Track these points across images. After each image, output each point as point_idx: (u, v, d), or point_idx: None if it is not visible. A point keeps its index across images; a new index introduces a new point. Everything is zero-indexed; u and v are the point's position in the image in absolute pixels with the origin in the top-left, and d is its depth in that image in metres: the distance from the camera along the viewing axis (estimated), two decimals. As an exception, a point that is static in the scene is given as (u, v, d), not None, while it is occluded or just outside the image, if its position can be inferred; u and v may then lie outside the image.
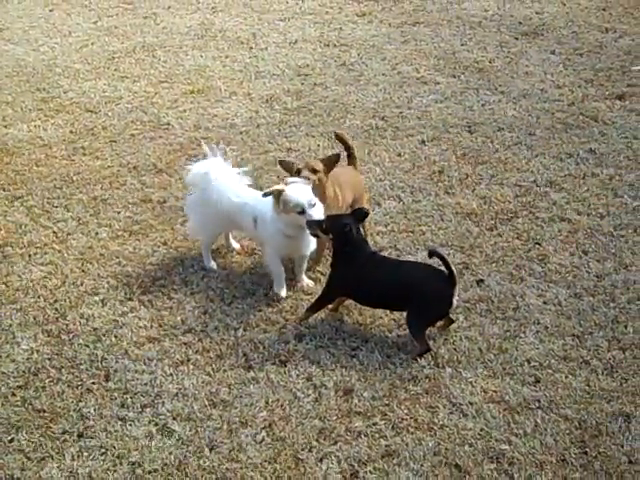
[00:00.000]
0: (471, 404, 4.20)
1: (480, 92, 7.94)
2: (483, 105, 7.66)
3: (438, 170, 6.51)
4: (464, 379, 4.37)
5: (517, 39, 9.26)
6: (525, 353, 4.53)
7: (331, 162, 5.23)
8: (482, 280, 5.16)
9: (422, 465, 3.86)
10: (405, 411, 4.18)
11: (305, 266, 5.21)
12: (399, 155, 6.80)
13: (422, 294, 4.57)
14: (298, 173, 5.08)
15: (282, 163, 5.40)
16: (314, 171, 5.08)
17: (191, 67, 8.85)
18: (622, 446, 3.90)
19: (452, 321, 4.72)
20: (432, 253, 4.70)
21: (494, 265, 5.32)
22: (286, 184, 4.96)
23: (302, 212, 4.84)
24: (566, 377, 4.35)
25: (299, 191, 4.89)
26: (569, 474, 3.78)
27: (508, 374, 4.39)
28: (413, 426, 4.09)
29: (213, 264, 5.42)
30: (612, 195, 6.05)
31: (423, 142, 7.01)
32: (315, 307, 4.87)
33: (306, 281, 5.21)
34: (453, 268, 4.56)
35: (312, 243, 5.10)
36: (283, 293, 5.08)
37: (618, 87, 7.87)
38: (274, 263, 5.10)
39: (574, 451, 3.89)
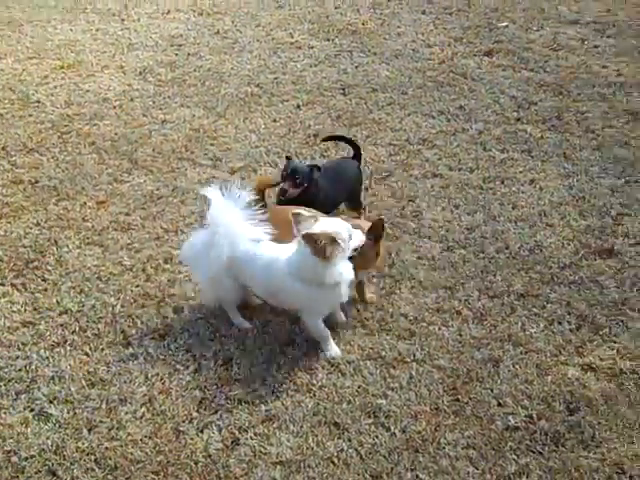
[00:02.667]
0: (349, 363, 4.28)
1: (354, 54, 8.00)
2: (357, 67, 7.72)
3: (313, 134, 6.53)
4: (342, 339, 4.44)
5: (389, 0, 9.34)
6: (400, 309, 4.63)
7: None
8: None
9: (302, 426, 3.92)
10: (284, 375, 4.22)
11: None
12: (274, 121, 6.79)
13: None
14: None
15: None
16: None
17: (61, 42, 8.56)
18: (492, 390, 4.05)
19: None
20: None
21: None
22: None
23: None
24: (439, 329, 4.48)
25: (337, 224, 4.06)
26: (442, 421, 3.91)
27: (384, 330, 4.49)
28: (292, 389, 4.13)
29: (246, 323, 4.56)
30: (481, 149, 6.23)
31: (298, 107, 7.02)
32: None
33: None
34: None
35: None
36: (339, 352, 4.34)
37: (485, 44, 8.08)
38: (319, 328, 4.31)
39: (447, 399, 4.03)
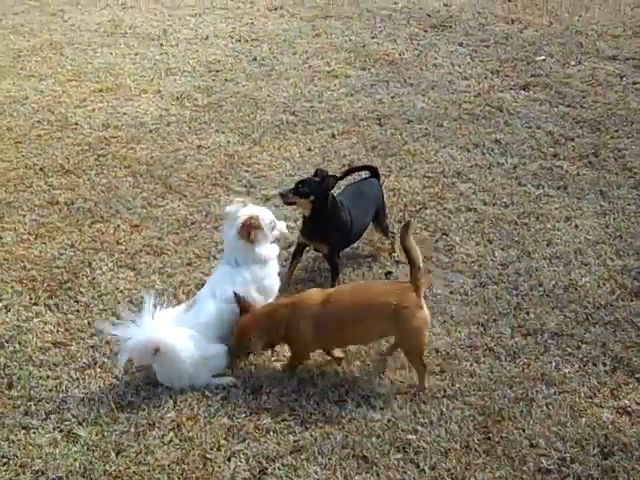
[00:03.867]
0: (379, 396, 4.24)
1: (390, 84, 8.02)
2: (393, 97, 7.74)
3: (348, 163, 6.54)
4: (373, 372, 4.41)
5: (426, 32, 9.38)
6: (432, 344, 4.58)
7: None
8: (390, 272, 5.22)
9: (330, 459, 3.88)
10: (314, 406, 4.19)
11: None
12: (309, 150, 6.82)
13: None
14: None
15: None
16: None
17: (100, 65, 8.69)
18: (524, 430, 3.99)
19: None
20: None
21: (402, 257, 5.36)
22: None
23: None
24: (471, 365, 4.43)
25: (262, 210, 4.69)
26: (472, 460, 3.85)
27: (415, 364, 4.44)
28: (322, 420, 4.10)
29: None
30: (516, 184, 6.19)
31: (333, 136, 7.04)
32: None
33: None
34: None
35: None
36: None
37: (522, 77, 8.06)
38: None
39: (477, 437, 3.97)
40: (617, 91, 7.69)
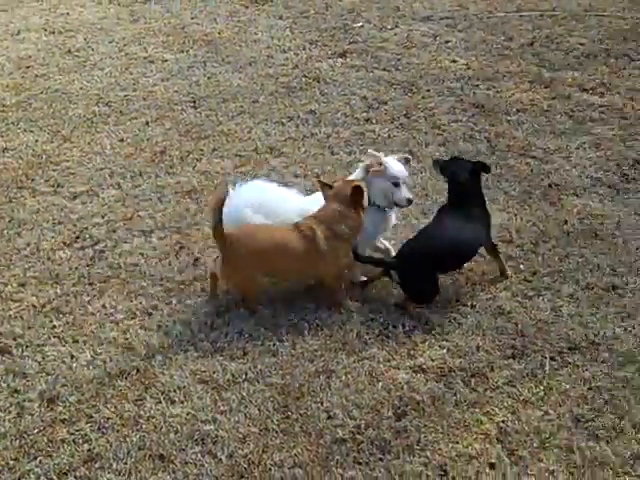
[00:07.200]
0: (179, 389, 4.12)
1: (207, 65, 7.86)
2: (209, 78, 7.58)
3: (160, 150, 6.37)
4: (174, 364, 4.28)
5: (247, 7, 9.25)
6: (236, 326, 4.49)
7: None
8: (197, 259, 5.08)
9: (126, 463, 3.74)
10: (112, 410, 4.03)
11: None
12: (121, 140, 6.60)
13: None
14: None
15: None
16: None
17: None
18: (322, 403, 3.95)
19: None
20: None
21: (210, 241, 5.21)
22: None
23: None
24: (274, 345, 4.35)
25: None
26: (270, 441, 3.78)
27: (217, 351, 4.34)
28: (119, 424, 3.95)
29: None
30: (329, 153, 6.16)
31: (147, 123, 6.84)
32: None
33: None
34: None
35: None
36: None
37: (340, 45, 8.04)
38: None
39: (277, 417, 3.91)
40: (430, 51, 7.76)
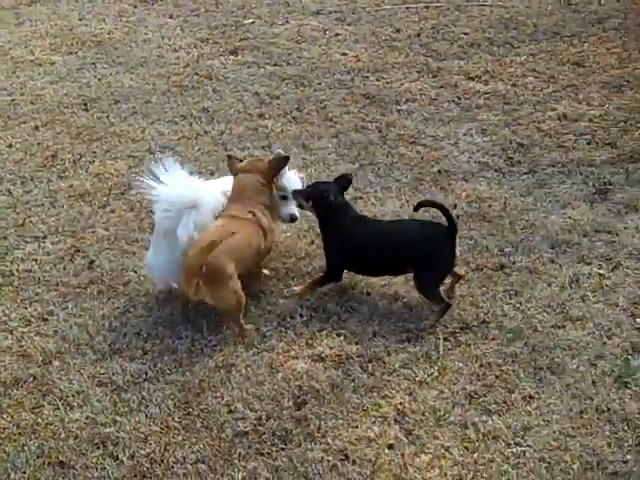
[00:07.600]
0: (78, 393, 4.08)
1: (98, 66, 7.73)
2: (100, 79, 7.46)
3: (51, 155, 6.25)
4: (72, 369, 4.23)
5: (136, 7, 9.10)
6: (134, 327, 4.47)
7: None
8: (93, 261, 5.03)
9: (24, 472, 3.68)
10: (8, 419, 3.96)
11: None
12: (10, 146, 6.45)
13: (427, 251, 4.38)
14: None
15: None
16: None
17: None
18: (223, 398, 3.98)
19: (460, 276, 4.61)
20: (421, 205, 4.55)
21: (106, 243, 5.22)
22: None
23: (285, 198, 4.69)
24: (173, 342, 4.35)
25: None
26: (171, 439, 3.79)
27: (116, 353, 4.32)
28: (16, 433, 3.88)
29: None
30: (222, 150, 6.16)
31: (36, 128, 6.69)
32: (319, 283, 4.60)
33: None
34: (452, 216, 4.42)
35: None
36: None
37: (231, 42, 8.02)
38: None
39: (178, 415, 3.92)
40: (321, 45, 7.83)
